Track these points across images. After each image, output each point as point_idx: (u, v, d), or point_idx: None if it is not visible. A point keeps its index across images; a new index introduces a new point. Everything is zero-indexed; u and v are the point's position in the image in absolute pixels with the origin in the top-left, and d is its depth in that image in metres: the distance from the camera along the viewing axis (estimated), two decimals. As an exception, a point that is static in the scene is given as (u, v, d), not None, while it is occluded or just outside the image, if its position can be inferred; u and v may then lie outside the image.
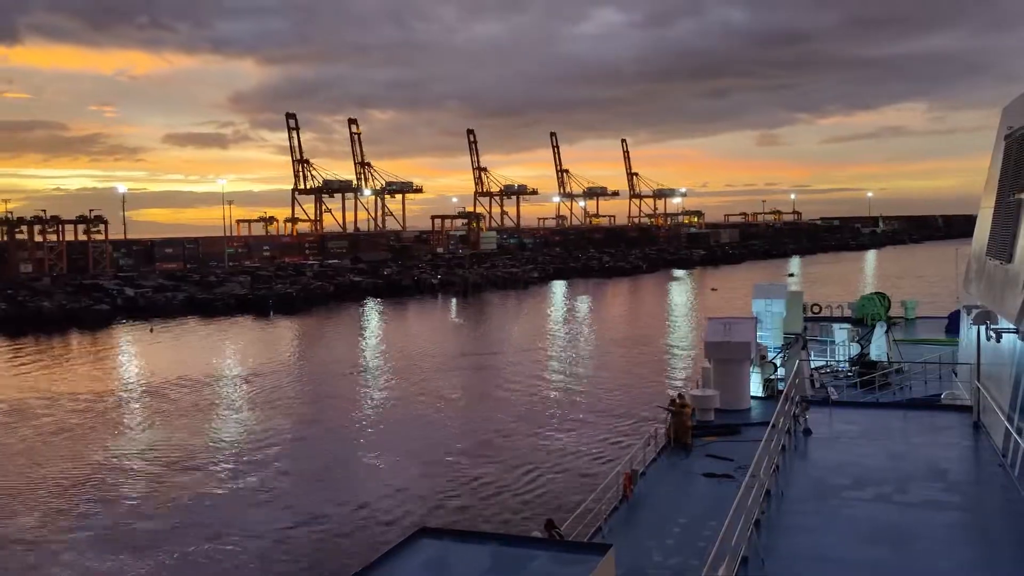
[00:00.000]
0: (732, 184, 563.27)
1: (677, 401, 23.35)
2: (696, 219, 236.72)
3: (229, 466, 37.28)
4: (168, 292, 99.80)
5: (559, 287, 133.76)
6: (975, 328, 21.70)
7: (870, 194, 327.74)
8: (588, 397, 49.67)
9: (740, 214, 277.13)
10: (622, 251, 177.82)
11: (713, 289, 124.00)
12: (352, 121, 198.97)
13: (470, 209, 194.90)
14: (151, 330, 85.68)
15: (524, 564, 9.85)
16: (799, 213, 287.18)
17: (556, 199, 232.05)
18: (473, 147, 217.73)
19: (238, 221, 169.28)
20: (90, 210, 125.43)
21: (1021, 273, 18.66)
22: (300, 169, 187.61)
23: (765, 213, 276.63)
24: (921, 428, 22.97)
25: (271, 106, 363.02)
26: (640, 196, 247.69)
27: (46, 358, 70.53)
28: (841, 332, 37.10)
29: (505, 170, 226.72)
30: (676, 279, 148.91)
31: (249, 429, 43.94)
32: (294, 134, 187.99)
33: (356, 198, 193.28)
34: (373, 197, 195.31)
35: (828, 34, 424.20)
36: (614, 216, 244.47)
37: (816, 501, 17.17)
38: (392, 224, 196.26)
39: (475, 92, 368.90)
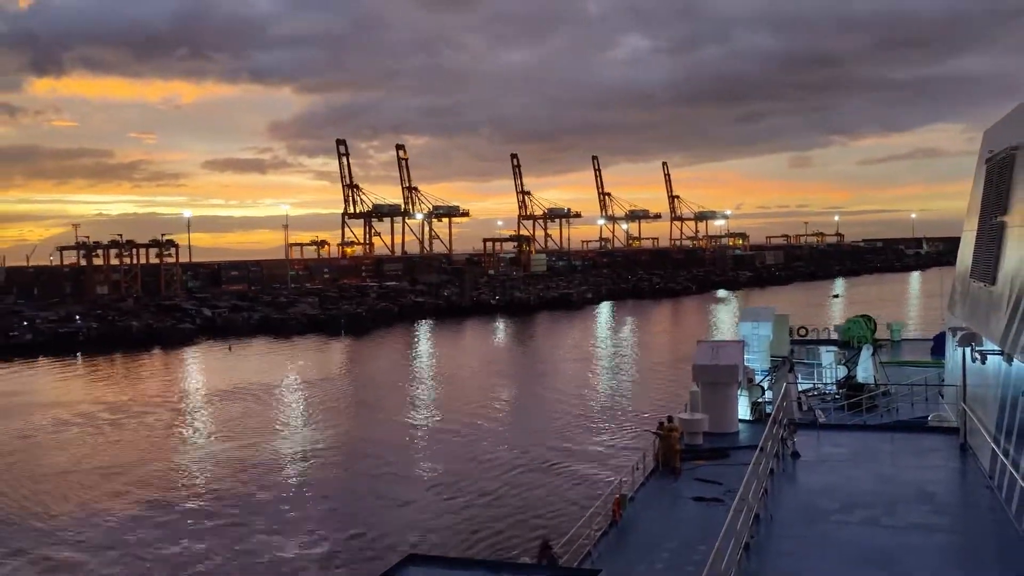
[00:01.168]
0: (765, 206, 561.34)
1: (665, 425, 23.10)
2: (741, 241, 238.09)
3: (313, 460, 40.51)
4: (243, 312, 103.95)
5: (613, 308, 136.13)
6: (960, 350, 21.62)
7: (914, 215, 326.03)
8: (632, 415, 51.03)
9: (782, 236, 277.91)
10: (670, 273, 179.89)
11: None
12: (399, 147, 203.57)
13: (511, 232, 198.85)
14: (229, 348, 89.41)
15: None
16: (842, 235, 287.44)
17: (601, 222, 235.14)
18: (516, 171, 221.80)
19: (291, 245, 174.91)
20: (161, 234, 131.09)
21: (1005, 295, 18.69)
22: (350, 194, 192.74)
23: (808, 235, 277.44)
24: (908, 450, 22.96)
25: (308, 132, 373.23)
26: (681, 219, 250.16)
27: (146, 372, 74.65)
28: (828, 355, 36.90)
29: (539, 194, 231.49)
30: (724, 300, 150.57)
31: (343, 432, 47.55)
32: (344, 160, 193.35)
33: (404, 222, 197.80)
34: (420, 221, 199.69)
35: (857, 57, 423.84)
36: (657, 239, 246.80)
37: (805, 525, 17.17)
38: (438, 247, 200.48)
39: (507, 118, 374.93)
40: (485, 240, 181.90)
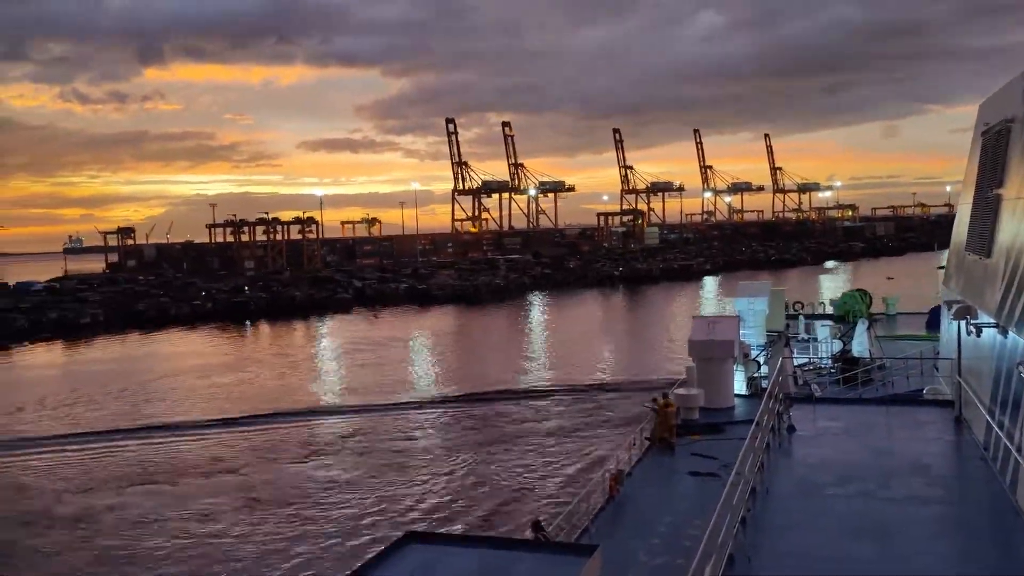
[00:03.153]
0: (857, 176, 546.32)
1: (661, 400, 22.99)
2: (851, 212, 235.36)
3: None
4: (390, 284, 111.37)
5: (729, 279, 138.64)
6: (955, 323, 21.54)
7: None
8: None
9: (888, 207, 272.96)
10: (782, 244, 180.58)
11: (889, 278, 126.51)
12: (505, 124, 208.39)
13: (613, 206, 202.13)
14: (375, 316, 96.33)
15: (512, 567, 9.83)
16: (951, 205, 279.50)
17: (707, 195, 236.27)
18: (619, 146, 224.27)
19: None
20: (303, 211, 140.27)
21: (1000, 267, 18.55)
22: (459, 171, 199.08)
23: (914, 206, 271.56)
24: (904, 423, 23.06)
25: (396, 112, 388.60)
26: (784, 191, 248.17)
27: (330, 332, 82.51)
28: (823, 329, 37.01)
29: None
30: (833, 271, 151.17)
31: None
32: (453, 139, 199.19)
33: (511, 197, 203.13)
34: (528, 196, 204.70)
35: (943, 25, 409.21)
36: (761, 211, 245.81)
37: (801, 498, 17.31)
38: (544, 221, 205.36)
39: (590, 94, 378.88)
40: (599, 214, 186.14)
